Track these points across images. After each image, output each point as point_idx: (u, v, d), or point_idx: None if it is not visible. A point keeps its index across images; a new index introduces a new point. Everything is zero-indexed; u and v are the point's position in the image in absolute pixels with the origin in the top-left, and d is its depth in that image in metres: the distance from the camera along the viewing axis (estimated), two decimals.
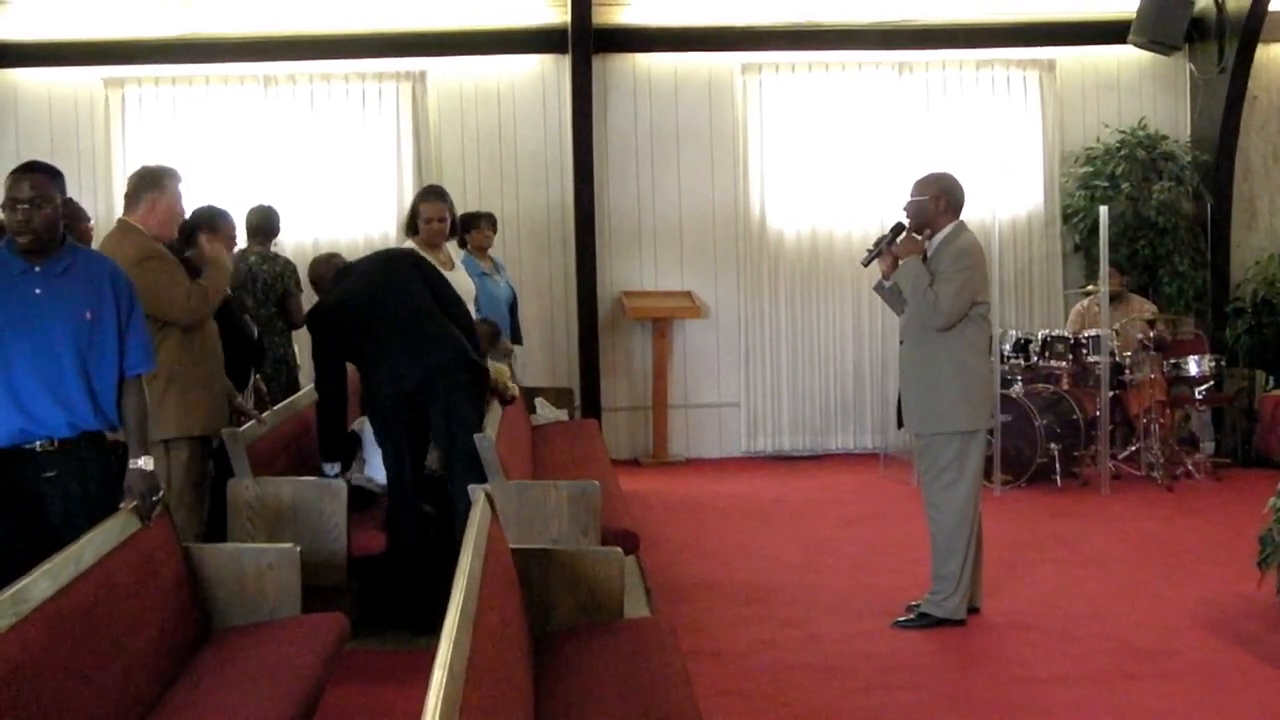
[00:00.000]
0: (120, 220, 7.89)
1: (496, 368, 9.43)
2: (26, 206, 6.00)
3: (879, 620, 8.44)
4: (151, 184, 7.83)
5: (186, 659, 6.08)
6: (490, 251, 12.56)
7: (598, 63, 14.36)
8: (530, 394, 12.30)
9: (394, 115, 14.54)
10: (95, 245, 8.16)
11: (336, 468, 8.53)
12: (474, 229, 12.57)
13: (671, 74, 14.68)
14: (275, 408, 9.32)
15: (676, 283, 14.56)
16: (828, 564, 10.04)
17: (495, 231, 12.73)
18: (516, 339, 12.86)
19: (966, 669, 7.67)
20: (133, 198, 7.84)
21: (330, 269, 8.85)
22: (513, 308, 12.69)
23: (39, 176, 6.06)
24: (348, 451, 8.90)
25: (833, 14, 14.46)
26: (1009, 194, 14.75)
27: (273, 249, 11.31)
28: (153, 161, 8.33)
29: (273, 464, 8.50)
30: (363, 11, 14.22)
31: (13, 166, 6.26)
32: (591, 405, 14.17)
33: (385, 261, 8.72)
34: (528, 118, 14.65)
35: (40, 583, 4.95)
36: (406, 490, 8.35)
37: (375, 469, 8.96)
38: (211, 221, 8.62)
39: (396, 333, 8.22)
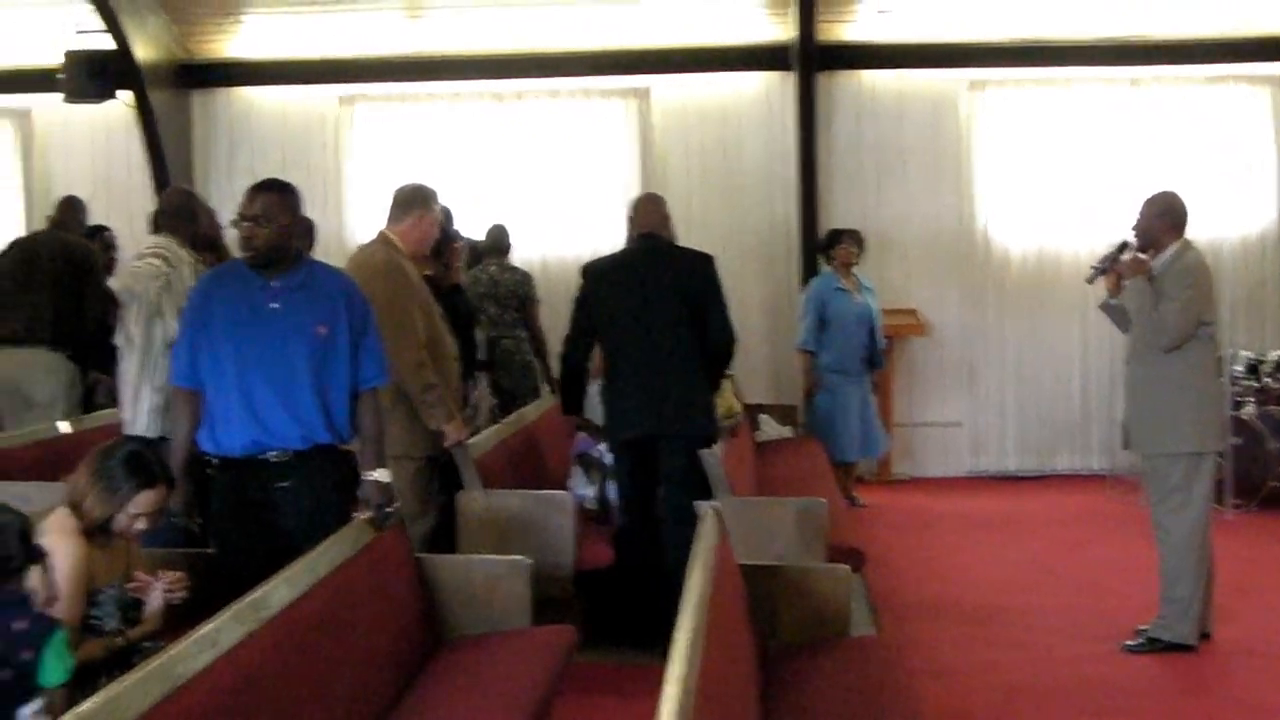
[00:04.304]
0: (382, 232, 8.03)
1: (723, 395, 9.42)
2: (249, 224, 6.18)
3: (1106, 643, 8.33)
4: (421, 202, 8.05)
5: (418, 668, 6.17)
6: (854, 269, 12.66)
7: (822, 79, 14.32)
8: (754, 411, 12.31)
9: (618, 132, 14.68)
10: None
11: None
12: (837, 244, 12.59)
13: (896, 90, 14.59)
14: (504, 420, 9.46)
15: (900, 300, 14.47)
16: (1054, 585, 9.93)
17: (861, 249, 12.72)
18: (875, 361, 12.79)
19: (1196, 695, 7.54)
20: (400, 211, 8.02)
21: (641, 212, 8.83)
22: (872, 328, 12.64)
23: (267, 196, 6.23)
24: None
25: (1062, 30, 14.27)
26: (1240, 212, 14.42)
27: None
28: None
29: (502, 476, 8.60)
30: (589, 29, 14.36)
31: (246, 182, 6.44)
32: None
33: (665, 251, 8.69)
34: (751, 134, 14.66)
35: (279, 590, 5.07)
36: (638, 506, 8.41)
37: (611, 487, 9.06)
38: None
39: (642, 357, 8.29)
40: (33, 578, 4.86)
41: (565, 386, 8.77)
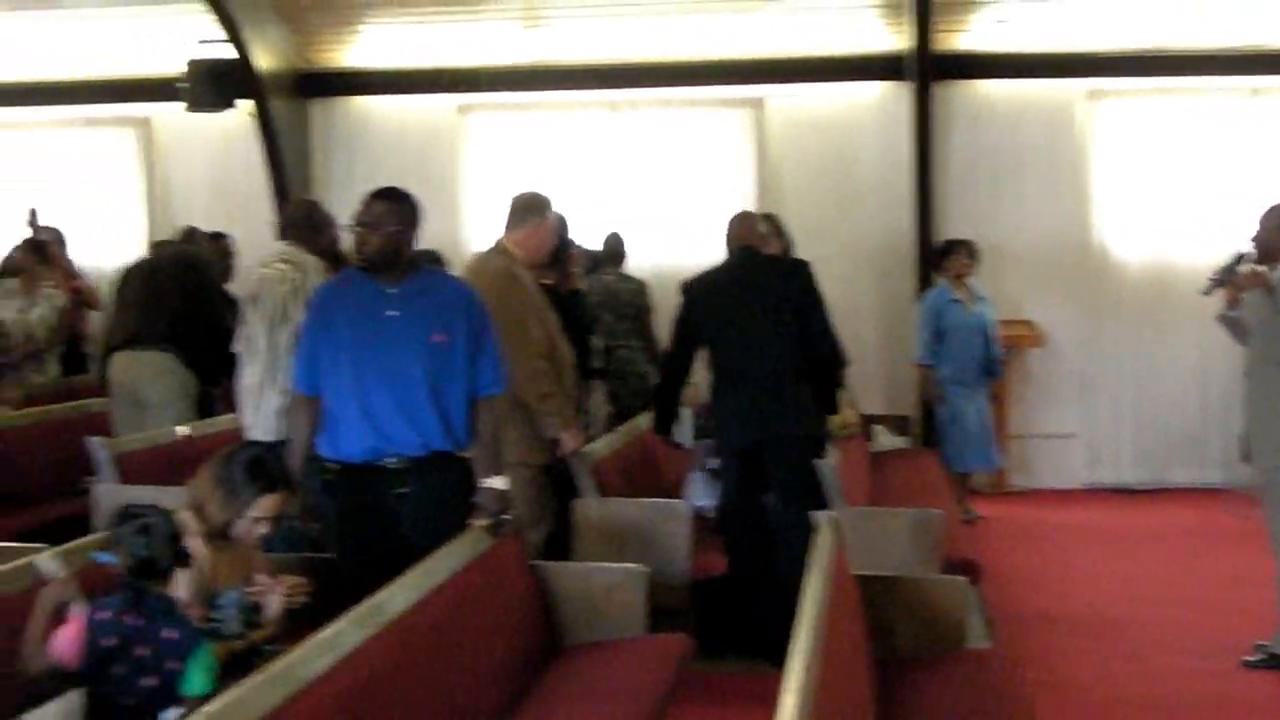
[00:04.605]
0: (499, 241, 8.16)
1: (841, 417, 9.40)
2: (361, 230, 6.30)
3: (1224, 659, 8.23)
4: (536, 210, 8.17)
5: (534, 675, 6.21)
6: (969, 280, 12.59)
7: (938, 89, 14.23)
8: (869, 421, 12.29)
9: (734, 142, 14.68)
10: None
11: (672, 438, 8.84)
12: (950, 255, 12.55)
13: (1013, 100, 14.46)
14: (619, 429, 9.50)
15: (1016, 311, 14.34)
16: (1171, 599, 9.84)
17: (974, 259, 12.66)
18: (992, 370, 12.70)
19: None
20: (516, 219, 8.14)
21: (741, 222, 8.92)
22: (990, 337, 12.57)
23: (379, 203, 6.33)
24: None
25: (1181, 39, 14.09)
26: None
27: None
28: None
29: (617, 485, 8.64)
30: (704, 39, 14.38)
31: (364, 190, 6.51)
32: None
33: (761, 262, 8.78)
34: (866, 144, 14.58)
35: (398, 596, 5.13)
36: (744, 516, 8.41)
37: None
38: None
39: (744, 367, 8.29)
40: (178, 583, 4.95)
41: (661, 403, 8.82)
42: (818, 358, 8.39)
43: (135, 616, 4.77)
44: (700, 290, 8.55)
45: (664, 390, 8.82)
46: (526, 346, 7.69)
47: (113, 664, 4.71)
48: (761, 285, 8.44)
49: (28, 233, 12.62)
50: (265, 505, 5.57)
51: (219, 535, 5.52)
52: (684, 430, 9.16)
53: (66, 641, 4.77)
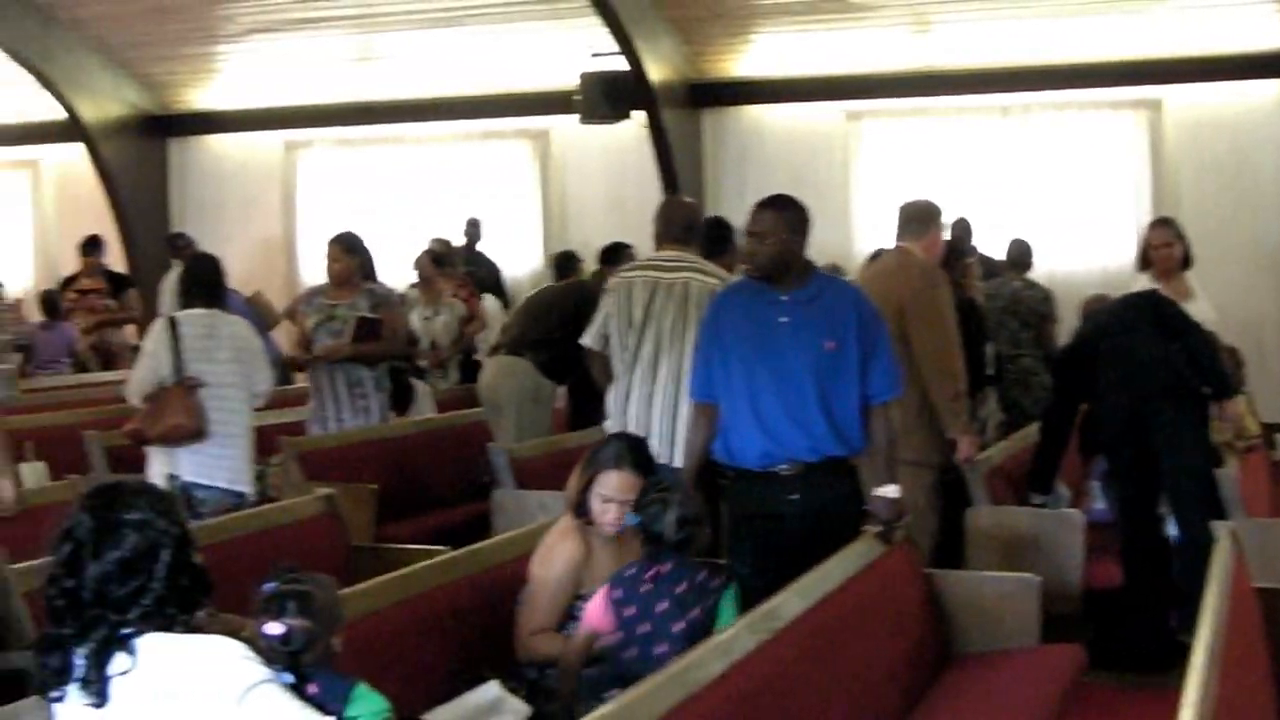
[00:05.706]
0: (901, 246, 8.22)
1: (1235, 409, 9.18)
2: (751, 240, 6.35)
3: None
4: (935, 219, 8.32)
5: (926, 683, 6.21)
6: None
7: None
8: (1271, 430, 11.93)
9: (1129, 145, 14.44)
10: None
11: (1041, 499, 8.60)
12: None
13: None
14: (1014, 436, 9.45)
15: None
16: None
17: None
18: None
19: None
20: (918, 226, 8.22)
21: (1089, 305, 9.03)
22: None
23: (767, 212, 6.32)
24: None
25: None
26: None
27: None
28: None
29: (1009, 492, 8.59)
30: (1098, 41, 14.17)
31: (754, 199, 6.57)
32: None
33: (1122, 306, 8.70)
34: (1267, 145, 14.19)
35: (790, 602, 5.17)
36: (1139, 523, 8.27)
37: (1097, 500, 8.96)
38: None
39: (1117, 370, 8.18)
40: None
41: (1044, 457, 8.69)
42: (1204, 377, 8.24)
43: (651, 579, 5.31)
44: (1081, 352, 8.52)
45: (1046, 446, 8.71)
46: (948, 343, 7.79)
47: (637, 626, 5.18)
48: (1133, 328, 8.32)
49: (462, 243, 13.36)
50: (612, 482, 5.66)
51: (582, 517, 5.71)
52: (1059, 500, 9.00)
53: (595, 614, 5.26)
